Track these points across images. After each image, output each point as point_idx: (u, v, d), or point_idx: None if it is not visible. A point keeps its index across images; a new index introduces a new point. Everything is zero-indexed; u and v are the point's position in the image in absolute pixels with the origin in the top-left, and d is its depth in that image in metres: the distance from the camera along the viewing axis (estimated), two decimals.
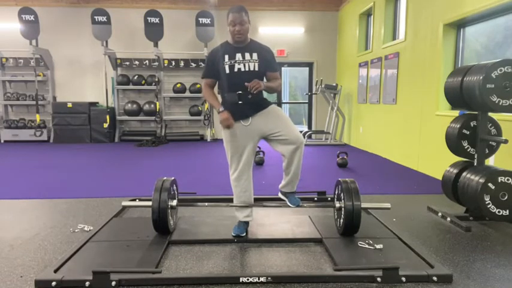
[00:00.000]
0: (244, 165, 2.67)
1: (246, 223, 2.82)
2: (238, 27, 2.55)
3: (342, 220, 2.71)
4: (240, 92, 2.59)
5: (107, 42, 8.75)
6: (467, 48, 4.77)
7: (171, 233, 2.78)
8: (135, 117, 9.20)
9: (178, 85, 9.19)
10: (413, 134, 5.61)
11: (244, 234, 2.75)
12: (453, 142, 3.24)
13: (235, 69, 2.60)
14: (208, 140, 9.25)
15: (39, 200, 3.86)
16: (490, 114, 3.11)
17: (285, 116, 2.74)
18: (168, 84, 9.42)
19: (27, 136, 8.87)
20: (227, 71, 2.60)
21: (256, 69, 2.61)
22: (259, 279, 2.07)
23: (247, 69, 2.60)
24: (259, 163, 5.79)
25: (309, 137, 8.88)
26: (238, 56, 2.61)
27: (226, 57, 2.61)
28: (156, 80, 8.95)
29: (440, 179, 3.49)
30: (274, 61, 2.73)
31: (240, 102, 2.61)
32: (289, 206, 2.78)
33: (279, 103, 10.01)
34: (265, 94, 2.75)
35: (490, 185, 2.83)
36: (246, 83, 2.53)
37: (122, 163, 6.15)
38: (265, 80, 2.72)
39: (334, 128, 8.56)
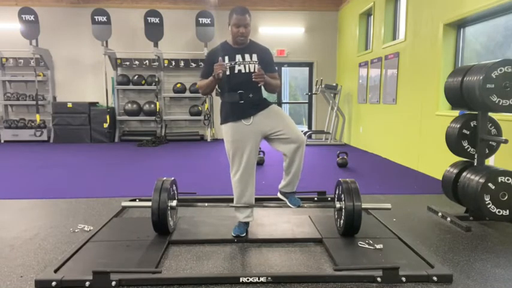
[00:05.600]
0: (246, 166, 2.66)
1: (246, 223, 2.82)
2: (242, 29, 2.56)
3: (342, 220, 2.71)
4: (241, 91, 2.60)
5: (107, 42, 8.75)
6: (467, 48, 4.77)
7: (171, 233, 2.78)
8: (135, 117, 9.20)
9: (178, 85, 9.19)
10: (413, 134, 5.61)
11: (244, 234, 2.75)
12: (453, 142, 3.24)
13: (236, 71, 2.60)
14: (208, 140, 9.25)
15: (39, 200, 3.86)
16: (490, 114, 3.11)
17: (286, 115, 2.75)
18: (168, 84, 9.42)
19: (27, 136, 8.87)
20: (227, 72, 2.59)
21: (256, 71, 2.59)
22: (259, 279, 2.07)
23: (247, 70, 2.60)
24: (259, 163, 5.78)
25: (309, 137, 8.88)
26: (238, 57, 2.61)
27: (226, 58, 2.61)
28: (156, 80, 8.95)
29: (440, 179, 3.49)
30: (273, 62, 2.75)
31: (241, 101, 2.61)
32: (289, 207, 2.78)
33: (279, 103, 10.01)
34: (265, 94, 2.75)
35: (490, 185, 2.83)
36: (252, 75, 2.52)
37: (122, 163, 6.15)
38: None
39: (334, 128, 8.56)
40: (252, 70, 2.60)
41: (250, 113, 2.64)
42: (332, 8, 9.44)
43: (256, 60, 2.63)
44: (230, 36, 2.65)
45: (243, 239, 2.71)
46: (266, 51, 2.73)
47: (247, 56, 2.63)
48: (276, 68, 2.82)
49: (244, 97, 2.61)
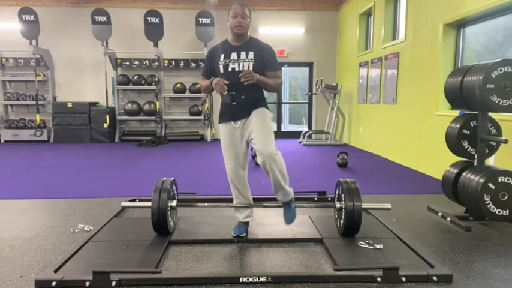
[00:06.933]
0: (235, 166, 2.66)
1: (246, 223, 2.81)
2: (240, 18, 2.49)
3: (342, 220, 2.71)
4: (234, 92, 2.52)
5: (107, 42, 8.75)
6: (467, 48, 4.77)
7: (171, 233, 2.78)
8: (135, 117, 9.20)
9: (178, 85, 9.19)
10: (413, 134, 5.61)
11: (244, 234, 2.74)
12: (453, 142, 3.24)
13: (229, 69, 2.54)
14: (208, 140, 9.25)
15: (39, 200, 3.86)
16: (490, 114, 3.11)
17: (266, 124, 2.57)
18: (168, 84, 9.42)
19: (27, 136, 8.87)
20: (221, 70, 2.55)
21: (251, 69, 2.51)
22: (259, 279, 2.07)
23: (241, 69, 2.52)
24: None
25: (309, 137, 8.88)
26: (234, 55, 2.54)
27: (222, 56, 2.56)
28: (156, 80, 8.95)
29: (440, 179, 3.49)
30: (274, 60, 2.62)
31: (233, 102, 2.54)
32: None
33: (279, 103, 10.02)
34: (266, 94, 2.69)
35: (490, 185, 2.83)
36: (240, 75, 2.43)
37: (122, 163, 6.15)
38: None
39: (334, 128, 8.56)
40: (245, 68, 2.51)
41: (239, 116, 2.56)
42: (332, 8, 9.44)
43: (252, 58, 2.53)
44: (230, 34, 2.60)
45: (243, 239, 2.70)
46: (266, 48, 2.61)
47: (242, 54, 2.54)
48: (279, 66, 2.69)
49: (236, 99, 2.53)
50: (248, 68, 2.51)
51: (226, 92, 2.48)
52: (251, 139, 2.55)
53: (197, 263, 2.36)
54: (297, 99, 10.93)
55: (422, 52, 5.35)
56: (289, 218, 2.68)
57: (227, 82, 2.46)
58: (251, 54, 2.54)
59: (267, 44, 2.66)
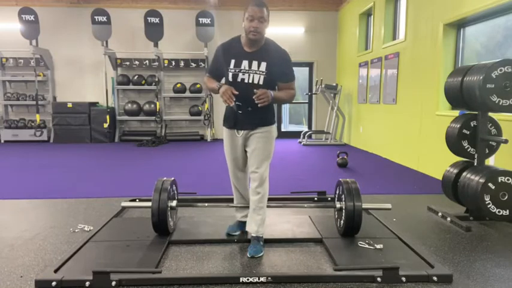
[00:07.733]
0: (235, 169, 2.67)
1: (244, 223, 2.81)
2: (256, 23, 2.27)
3: (342, 221, 2.71)
4: (240, 103, 2.40)
5: (107, 42, 8.75)
6: (467, 48, 4.77)
7: (171, 233, 2.78)
8: (135, 117, 9.20)
9: (178, 85, 9.19)
10: (413, 134, 5.61)
11: (238, 232, 2.76)
12: (453, 142, 3.24)
13: (239, 79, 2.39)
14: (208, 140, 9.25)
15: (39, 200, 3.86)
16: (490, 114, 3.11)
17: (269, 148, 2.50)
18: (168, 84, 9.42)
19: (27, 136, 8.87)
20: (230, 79, 2.41)
21: (261, 82, 2.37)
22: (259, 279, 2.07)
23: (250, 81, 2.37)
24: None
25: (309, 137, 8.88)
26: (245, 64, 2.37)
27: (232, 62, 2.39)
28: (156, 80, 8.95)
29: (440, 179, 3.49)
30: (288, 70, 2.45)
31: (239, 111, 2.46)
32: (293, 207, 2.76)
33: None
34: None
35: (490, 185, 2.83)
36: (255, 91, 2.29)
37: (122, 163, 6.15)
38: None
39: (334, 128, 8.56)
40: (255, 81, 2.37)
41: (243, 127, 2.49)
42: (332, 8, 9.44)
43: (263, 70, 2.36)
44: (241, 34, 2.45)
45: (243, 238, 2.71)
46: (280, 57, 2.43)
47: (254, 64, 2.36)
48: (294, 76, 2.50)
49: (243, 109, 2.43)
50: (258, 81, 2.37)
51: (233, 102, 2.34)
52: (248, 153, 2.55)
53: (197, 263, 2.36)
54: (297, 99, 10.91)
55: (422, 52, 5.35)
56: (253, 251, 2.44)
57: (236, 93, 2.29)
58: (263, 66, 2.37)
59: (283, 50, 2.46)
